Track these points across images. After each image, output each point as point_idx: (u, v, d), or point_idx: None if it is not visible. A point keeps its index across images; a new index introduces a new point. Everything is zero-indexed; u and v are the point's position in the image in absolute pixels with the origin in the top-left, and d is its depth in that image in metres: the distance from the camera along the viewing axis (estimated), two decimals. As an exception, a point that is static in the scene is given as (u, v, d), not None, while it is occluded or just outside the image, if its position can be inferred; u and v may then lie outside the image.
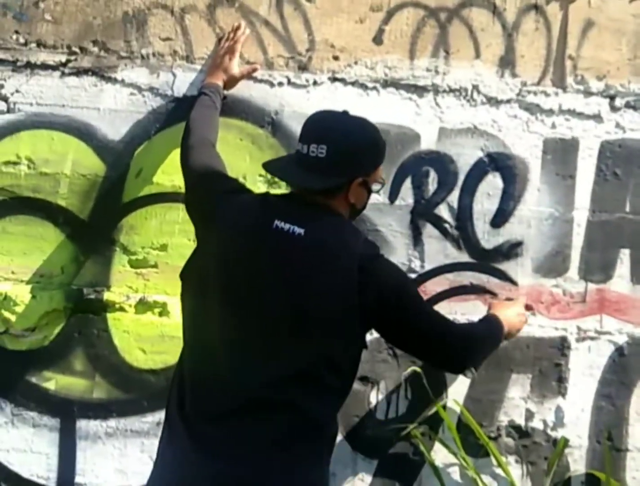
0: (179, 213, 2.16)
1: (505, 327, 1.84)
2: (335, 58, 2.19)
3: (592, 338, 2.20)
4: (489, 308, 2.03)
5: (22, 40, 2.15)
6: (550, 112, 2.22)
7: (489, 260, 2.20)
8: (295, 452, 1.53)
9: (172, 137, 2.15)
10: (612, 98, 2.21)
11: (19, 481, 2.12)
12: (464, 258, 2.20)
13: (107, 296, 2.14)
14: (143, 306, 2.15)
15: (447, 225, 2.20)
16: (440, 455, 2.17)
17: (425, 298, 2.15)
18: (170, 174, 2.16)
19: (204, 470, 1.51)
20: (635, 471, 2.22)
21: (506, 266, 2.21)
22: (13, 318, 2.10)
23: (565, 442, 2.12)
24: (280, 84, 2.19)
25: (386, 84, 2.21)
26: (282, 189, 2.17)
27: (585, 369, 2.20)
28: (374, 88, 2.20)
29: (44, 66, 2.16)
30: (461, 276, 2.20)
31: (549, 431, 2.20)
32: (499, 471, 2.16)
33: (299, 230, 1.56)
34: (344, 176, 1.60)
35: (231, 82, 2.10)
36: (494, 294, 2.18)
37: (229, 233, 1.59)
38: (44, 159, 2.14)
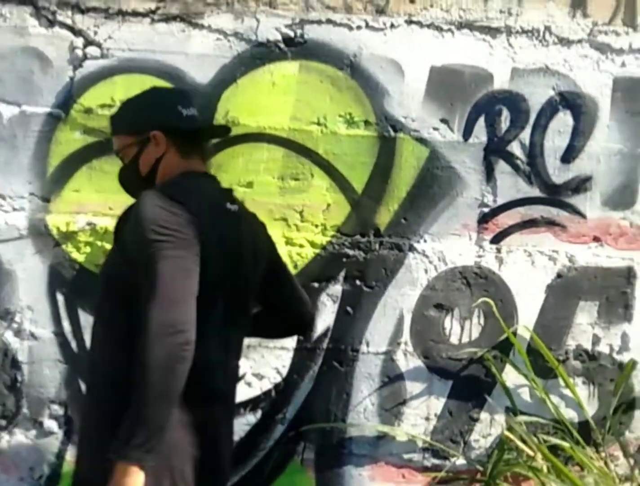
0: (263, 152, 2.30)
1: None
2: (412, 1, 2.28)
3: (657, 268, 2.31)
4: None
5: (114, -12, 2.27)
6: (620, 51, 2.29)
7: (559, 194, 2.31)
8: None
9: (256, 81, 2.27)
10: (681, 36, 2.27)
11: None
12: (535, 192, 2.31)
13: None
14: (233, 239, 2.30)
15: (518, 161, 2.30)
16: (510, 376, 2.31)
17: (497, 231, 2.28)
18: (255, 116, 2.28)
19: None
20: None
21: (575, 200, 2.31)
22: (115, 249, 2.25)
23: (633, 364, 2.25)
24: (359, 27, 2.28)
25: (460, 25, 2.29)
26: (360, 128, 2.29)
27: (651, 296, 2.32)
28: (449, 30, 2.29)
29: (135, 13, 2.27)
30: (532, 210, 2.31)
31: (614, 355, 2.32)
32: (566, 392, 2.30)
33: (234, 206, 1.67)
34: None
35: None
36: (563, 227, 2.29)
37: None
38: (137, 102, 2.27)
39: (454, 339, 2.32)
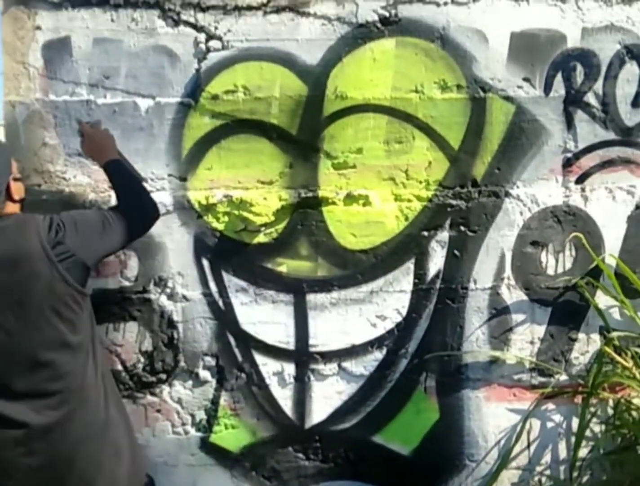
0: (370, 121, 2.60)
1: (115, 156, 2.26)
2: (491, -24, 2.58)
3: None
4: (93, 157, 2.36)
5: (229, -13, 2.56)
6: (675, 4, 2.59)
7: (632, 136, 2.62)
8: None
9: (359, 58, 2.57)
10: None
11: (265, 347, 2.62)
12: (611, 136, 2.61)
13: (320, 193, 2.60)
14: (349, 199, 2.60)
15: (594, 110, 2.61)
16: (602, 299, 2.62)
17: (580, 172, 2.59)
18: (360, 89, 2.58)
19: None
20: None
21: (647, 140, 2.62)
22: (250, 216, 2.56)
23: None
24: (445, 3, 2.58)
25: (534, -6, 2.59)
26: (453, 92, 2.59)
27: None
28: (524, -1, 2.59)
29: (249, 7, 2.56)
30: (609, 152, 2.62)
31: (691, 272, 2.64)
32: (651, 309, 2.61)
33: None
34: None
35: None
36: (638, 164, 2.60)
37: None
38: (256, 85, 2.56)
39: (550, 271, 2.63)
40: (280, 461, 2.62)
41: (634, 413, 2.52)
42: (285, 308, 2.60)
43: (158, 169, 2.56)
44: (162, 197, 2.53)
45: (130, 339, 2.57)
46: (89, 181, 2.52)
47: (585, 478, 2.60)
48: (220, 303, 2.58)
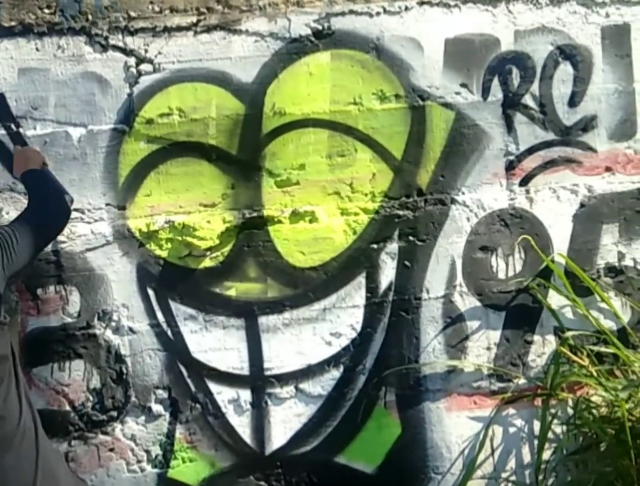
0: (310, 136, 2.56)
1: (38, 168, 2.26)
2: (421, -15, 2.58)
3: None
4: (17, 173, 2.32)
5: (157, 8, 2.49)
6: (603, 4, 2.63)
7: (571, 135, 2.63)
8: None
9: (295, 73, 2.54)
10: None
11: (218, 374, 2.54)
12: (551, 136, 2.63)
13: (265, 212, 2.54)
14: (295, 216, 2.56)
15: (533, 111, 2.62)
16: (554, 300, 2.63)
17: (523, 175, 2.60)
18: (299, 104, 2.54)
19: None
20: None
21: (585, 138, 2.64)
22: (195, 241, 2.49)
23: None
24: (378, 13, 2.56)
25: (465, 0, 2.59)
26: (392, 102, 2.58)
27: (661, 211, 2.66)
28: (456, 5, 2.59)
29: (179, 28, 2.50)
30: (551, 152, 2.63)
31: (638, 266, 2.67)
32: (602, 305, 2.63)
33: None
34: None
35: None
36: (579, 163, 2.62)
37: None
38: (191, 107, 2.50)
39: (501, 275, 2.63)
40: (242, 491, 2.55)
41: (594, 411, 2.52)
42: (236, 333, 2.54)
43: (94, 199, 2.48)
44: (101, 228, 2.45)
45: (77, 378, 2.47)
46: (22, 216, 2.41)
47: (550, 481, 2.60)
48: (169, 332, 2.51)
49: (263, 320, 2.54)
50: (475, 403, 2.63)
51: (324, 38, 2.53)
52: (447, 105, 2.57)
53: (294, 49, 2.52)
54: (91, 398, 2.48)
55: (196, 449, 2.52)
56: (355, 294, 2.56)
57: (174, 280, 2.50)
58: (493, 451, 2.63)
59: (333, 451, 2.56)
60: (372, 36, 2.54)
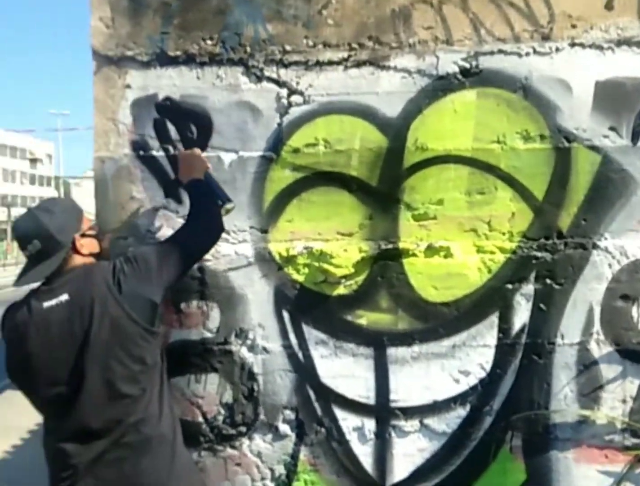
0: (451, 172, 2.58)
1: (201, 177, 2.39)
2: (574, 26, 2.55)
3: None
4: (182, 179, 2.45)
5: (310, 43, 2.61)
6: None
7: None
8: None
9: (440, 110, 2.57)
10: None
11: (345, 401, 2.58)
12: None
13: (400, 245, 2.58)
14: (430, 251, 2.57)
15: (686, 159, 2.51)
16: (699, 356, 2.49)
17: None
18: (442, 140, 2.57)
19: None
20: None
21: None
22: (330, 268, 2.56)
23: None
24: (527, 53, 2.55)
25: (619, 43, 2.54)
26: (536, 142, 2.55)
27: None
28: (609, 48, 2.54)
29: (330, 63, 2.60)
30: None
31: None
32: None
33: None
34: (61, 248, 2.15)
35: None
36: None
37: None
38: (337, 138, 2.58)
39: (642, 326, 2.52)
40: (360, 520, 2.56)
41: None
42: (365, 362, 2.57)
43: (240, 221, 2.60)
44: (244, 250, 2.56)
45: (212, 391, 2.57)
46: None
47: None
48: (300, 355, 2.57)
49: (392, 351, 2.56)
50: (607, 457, 2.52)
51: (471, 76, 2.55)
52: (593, 148, 2.52)
53: (440, 86, 2.56)
54: (223, 412, 2.58)
55: (319, 472, 2.56)
56: (486, 333, 2.54)
57: (308, 304, 2.56)
58: (624, 509, 2.51)
59: (455, 490, 2.52)
60: (520, 76, 2.54)
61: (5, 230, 54.28)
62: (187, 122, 2.59)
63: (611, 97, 2.52)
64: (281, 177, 2.59)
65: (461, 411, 2.55)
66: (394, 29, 2.58)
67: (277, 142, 2.59)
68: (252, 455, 2.58)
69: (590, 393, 2.52)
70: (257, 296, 2.57)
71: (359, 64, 2.58)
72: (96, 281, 2.13)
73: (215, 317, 2.57)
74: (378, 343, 2.56)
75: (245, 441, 2.58)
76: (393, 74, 2.58)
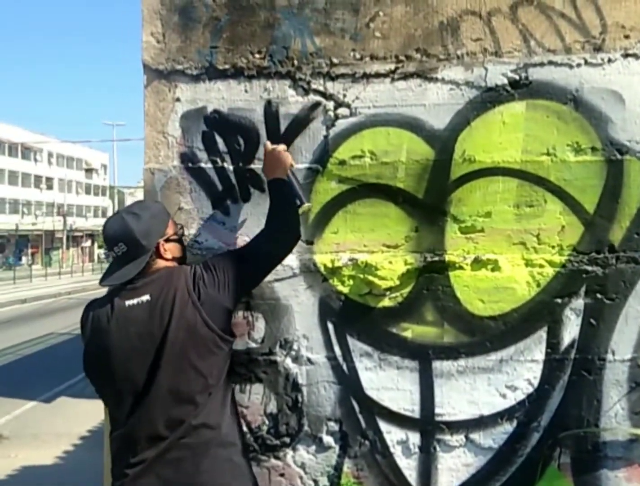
0: (499, 184, 2.55)
1: (282, 175, 2.40)
2: (626, 37, 2.50)
3: None
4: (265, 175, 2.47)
5: (357, 56, 2.62)
6: None
7: None
8: None
9: (488, 121, 2.54)
10: None
11: (389, 414, 2.56)
12: None
13: (447, 258, 2.56)
14: (477, 264, 2.55)
15: None
16: None
17: None
18: (490, 152, 2.54)
19: None
20: None
21: None
22: (376, 280, 2.55)
23: None
24: (579, 65, 2.52)
25: (674, 53, 2.48)
26: (587, 155, 2.50)
27: None
28: (663, 58, 2.48)
29: (377, 75, 2.60)
30: None
31: None
32: None
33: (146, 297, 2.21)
34: (146, 252, 2.21)
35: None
36: None
37: None
38: (383, 150, 2.58)
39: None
40: (404, 535, 2.54)
41: None
42: (410, 375, 2.55)
43: (286, 232, 2.60)
44: (289, 261, 2.57)
45: (256, 401, 2.59)
46: (220, 245, 2.61)
47: None
48: (345, 367, 2.57)
49: (437, 365, 2.54)
50: (659, 478, 2.45)
51: (520, 88, 2.52)
52: (647, 160, 2.46)
53: (489, 98, 2.54)
54: (267, 422, 2.59)
55: (362, 485, 2.55)
56: (534, 348, 2.50)
57: (353, 316, 2.56)
58: (677, 533, 2.43)
59: (501, 507, 2.49)
60: (571, 87, 2.50)
61: (61, 239, 55.89)
62: (235, 134, 2.61)
63: (665, 108, 2.46)
64: (327, 189, 2.61)
65: (508, 427, 2.51)
66: (441, 41, 2.57)
67: (323, 154, 2.60)
68: (296, 465, 2.59)
69: (642, 412, 2.45)
70: (301, 307, 2.58)
71: (406, 76, 2.58)
72: (178, 285, 2.21)
73: (260, 327, 2.59)
74: (423, 356, 2.55)
75: (289, 452, 2.59)
76: (440, 86, 2.57)
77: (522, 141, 2.52)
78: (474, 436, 2.52)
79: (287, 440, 2.59)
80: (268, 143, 2.52)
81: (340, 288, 2.58)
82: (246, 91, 2.64)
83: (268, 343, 2.60)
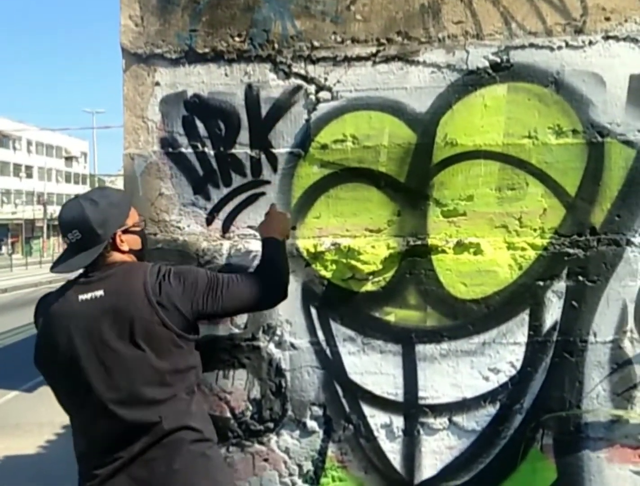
0: (481, 168, 2.54)
1: (280, 238, 2.35)
2: (607, 19, 2.50)
3: None
4: (260, 233, 2.42)
5: (339, 39, 2.59)
6: None
7: None
8: None
9: (469, 105, 2.54)
10: None
11: (373, 398, 2.57)
12: None
13: (429, 241, 2.56)
14: (460, 247, 2.54)
15: None
16: None
17: None
18: (471, 136, 2.53)
19: None
20: None
21: None
22: (358, 264, 2.55)
23: None
24: (560, 47, 2.51)
25: (655, 35, 2.48)
26: (569, 137, 2.51)
27: None
28: (644, 40, 2.49)
29: (358, 58, 2.58)
30: None
31: None
32: None
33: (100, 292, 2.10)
34: (101, 241, 2.12)
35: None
36: None
37: None
38: (365, 134, 2.57)
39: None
40: (388, 517, 2.55)
41: None
42: (393, 359, 2.56)
43: (268, 217, 2.58)
44: (272, 246, 2.54)
45: (239, 387, 2.58)
46: (202, 230, 2.59)
47: None
48: (328, 351, 2.57)
49: (420, 348, 2.54)
50: (640, 457, 2.48)
51: (501, 71, 2.52)
52: (628, 143, 2.47)
53: (470, 81, 2.53)
54: (251, 407, 2.58)
55: (346, 469, 2.56)
56: (517, 330, 2.51)
57: (336, 301, 2.56)
58: (658, 511, 2.46)
59: (483, 488, 2.50)
60: (552, 70, 2.50)
61: (42, 228, 55.37)
62: (215, 119, 2.58)
63: (646, 90, 2.46)
64: (309, 174, 2.59)
65: (491, 409, 2.52)
66: (423, 24, 2.56)
67: (305, 139, 2.58)
68: (280, 450, 2.59)
69: (623, 392, 2.48)
70: (285, 293, 2.56)
71: (387, 60, 2.56)
72: (134, 283, 2.11)
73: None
74: (406, 339, 2.55)
75: (273, 437, 2.59)
76: (422, 69, 2.55)
77: (503, 124, 2.52)
78: (457, 419, 2.53)
79: (271, 425, 2.58)
80: (274, 207, 2.51)
81: (323, 272, 2.57)
82: (226, 75, 2.61)
83: (251, 328, 2.59)
